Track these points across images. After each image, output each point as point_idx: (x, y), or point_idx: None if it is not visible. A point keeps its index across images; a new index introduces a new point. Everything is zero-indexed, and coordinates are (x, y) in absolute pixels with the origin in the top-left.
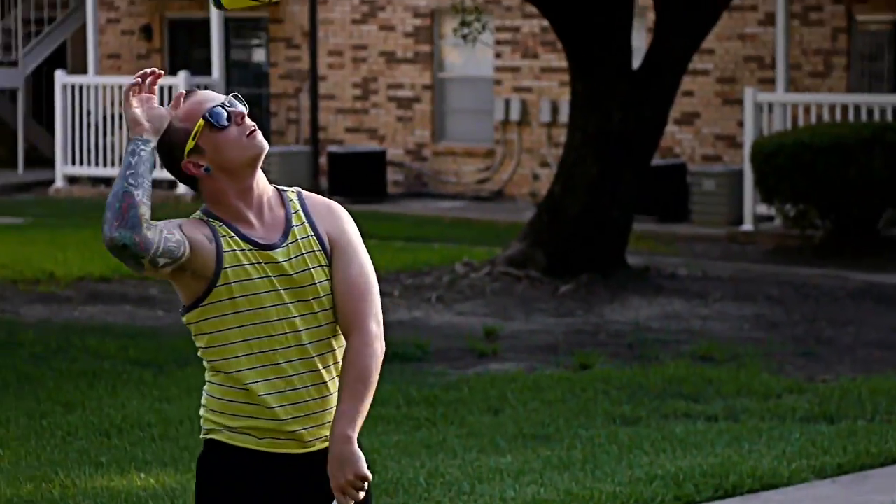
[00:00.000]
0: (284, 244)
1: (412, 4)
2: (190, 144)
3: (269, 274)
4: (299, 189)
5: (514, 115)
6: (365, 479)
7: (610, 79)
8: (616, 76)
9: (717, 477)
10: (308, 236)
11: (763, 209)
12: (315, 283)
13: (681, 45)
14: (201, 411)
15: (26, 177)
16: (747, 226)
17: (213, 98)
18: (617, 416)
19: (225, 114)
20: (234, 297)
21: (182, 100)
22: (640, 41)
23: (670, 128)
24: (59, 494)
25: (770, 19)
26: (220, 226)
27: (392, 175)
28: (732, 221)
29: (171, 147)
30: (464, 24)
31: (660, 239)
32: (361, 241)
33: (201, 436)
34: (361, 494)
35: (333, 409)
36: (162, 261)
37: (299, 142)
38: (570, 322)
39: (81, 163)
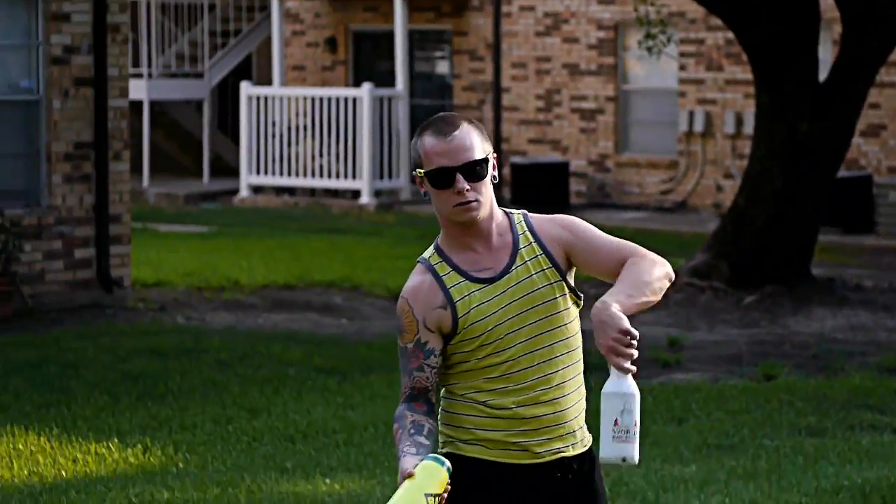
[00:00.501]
0: (514, 267)
1: (596, 17)
2: (419, 173)
3: (502, 304)
4: (525, 211)
5: (698, 126)
6: (628, 332)
7: (796, 90)
8: (802, 88)
9: None
10: (538, 255)
11: None
12: (547, 301)
13: (867, 56)
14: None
15: (211, 186)
16: None
17: (456, 151)
18: (802, 426)
19: (441, 175)
20: (474, 338)
21: (441, 132)
22: (826, 53)
23: (856, 139)
24: (246, 499)
25: None
26: (446, 275)
27: (575, 186)
28: None
29: (414, 152)
30: (649, 36)
31: (845, 251)
32: (599, 231)
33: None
34: (633, 352)
35: (569, 423)
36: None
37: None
38: (753, 333)
39: (266, 173)
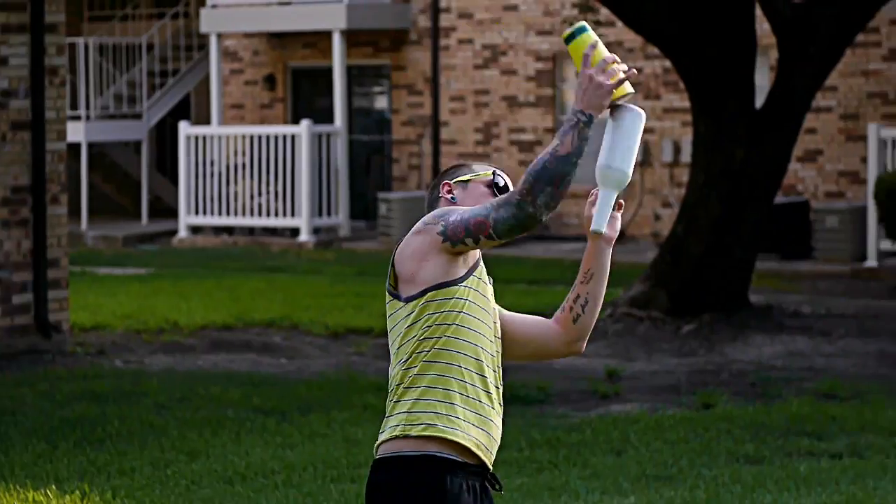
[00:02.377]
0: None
1: (534, 48)
2: (466, 178)
3: (486, 294)
4: None
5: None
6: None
7: (733, 118)
8: (739, 115)
9: None
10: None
11: (887, 245)
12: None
13: (804, 82)
14: (403, 418)
15: (150, 227)
16: (871, 262)
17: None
18: (740, 455)
19: (501, 184)
20: (479, 291)
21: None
22: (763, 79)
23: (793, 165)
24: None
25: (894, 55)
26: None
27: None
28: (856, 258)
29: (454, 169)
30: None
31: (783, 277)
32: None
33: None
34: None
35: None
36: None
37: (421, 187)
38: (692, 361)
39: (204, 213)
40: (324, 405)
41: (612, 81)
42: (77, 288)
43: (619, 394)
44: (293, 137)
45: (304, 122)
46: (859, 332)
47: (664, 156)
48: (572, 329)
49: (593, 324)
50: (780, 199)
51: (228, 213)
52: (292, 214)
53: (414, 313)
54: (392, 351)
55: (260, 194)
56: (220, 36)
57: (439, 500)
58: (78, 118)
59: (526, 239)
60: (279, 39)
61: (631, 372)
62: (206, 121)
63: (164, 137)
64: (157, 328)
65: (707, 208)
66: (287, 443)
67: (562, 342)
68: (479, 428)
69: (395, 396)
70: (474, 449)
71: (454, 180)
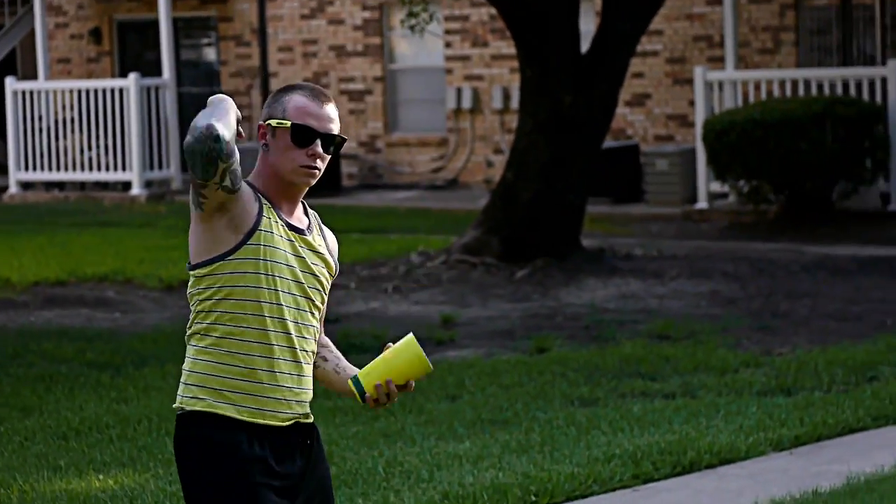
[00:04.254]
0: (308, 235)
1: None
2: (273, 122)
3: (290, 252)
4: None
5: (466, 103)
6: None
7: (559, 64)
8: (565, 61)
9: (674, 454)
10: (324, 246)
11: (717, 187)
12: (318, 284)
13: (628, 27)
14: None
15: None
16: (702, 204)
17: (324, 118)
18: (575, 397)
19: (305, 134)
20: (260, 259)
21: (316, 97)
22: (588, 24)
23: (622, 110)
24: (18, 500)
25: None
26: (264, 202)
27: (346, 168)
28: (687, 200)
29: (268, 107)
30: (411, 14)
31: (615, 220)
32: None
33: (179, 406)
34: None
35: (308, 391)
36: (227, 180)
37: (253, 139)
38: (526, 307)
39: (34, 168)
40: (158, 358)
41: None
42: None
43: (454, 340)
44: (121, 91)
45: (132, 76)
46: (691, 274)
47: (494, 102)
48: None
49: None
50: (610, 143)
51: (59, 169)
52: (123, 168)
53: None
54: None
55: (90, 149)
56: None
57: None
58: None
59: (358, 188)
60: None
61: (466, 318)
62: (33, 76)
63: None
64: None
65: (536, 154)
66: (121, 397)
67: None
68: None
69: None
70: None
71: (266, 121)
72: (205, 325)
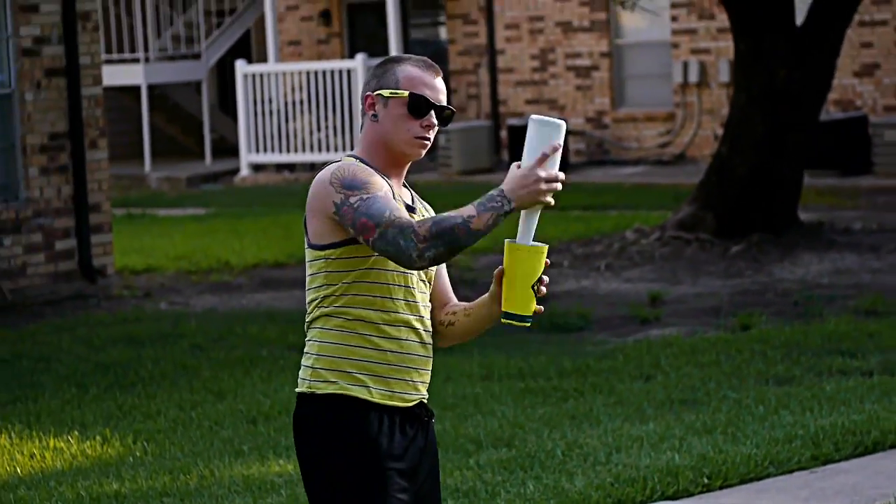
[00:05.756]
0: (416, 211)
1: None
2: (385, 93)
3: None
4: None
5: (693, 77)
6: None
7: (773, 36)
8: (779, 33)
9: (858, 434)
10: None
11: None
12: None
13: None
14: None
15: (214, 167)
16: None
17: (437, 89)
18: (770, 376)
19: (424, 106)
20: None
21: (429, 68)
22: None
23: (850, 80)
24: (196, 485)
25: None
26: (383, 176)
27: (574, 144)
28: None
29: (377, 77)
30: None
31: (841, 193)
32: None
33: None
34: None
35: (429, 371)
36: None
37: (480, 117)
38: (737, 283)
39: (265, 150)
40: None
41: (548, 197)
42: (135, 231)
43: (659, 318)
44: (349, 72)
45: (360, 56)
46: None
47: (721, 76)
48: (438, 323)
49: (442, 343)
50: (837, 114)
51: (289, 150)
52: (351, 148)
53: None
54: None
55: (319, 130)
56: None
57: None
58: (137, 61)
59: (586, 164)
60: None
61: (675, 296)
62: (265, 58)
63: (225, 77)
64: (207, 268)
65: (751, 128)
66: None
67: (436, 319)
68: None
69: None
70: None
71: (376, 91)
72: (333, 307)
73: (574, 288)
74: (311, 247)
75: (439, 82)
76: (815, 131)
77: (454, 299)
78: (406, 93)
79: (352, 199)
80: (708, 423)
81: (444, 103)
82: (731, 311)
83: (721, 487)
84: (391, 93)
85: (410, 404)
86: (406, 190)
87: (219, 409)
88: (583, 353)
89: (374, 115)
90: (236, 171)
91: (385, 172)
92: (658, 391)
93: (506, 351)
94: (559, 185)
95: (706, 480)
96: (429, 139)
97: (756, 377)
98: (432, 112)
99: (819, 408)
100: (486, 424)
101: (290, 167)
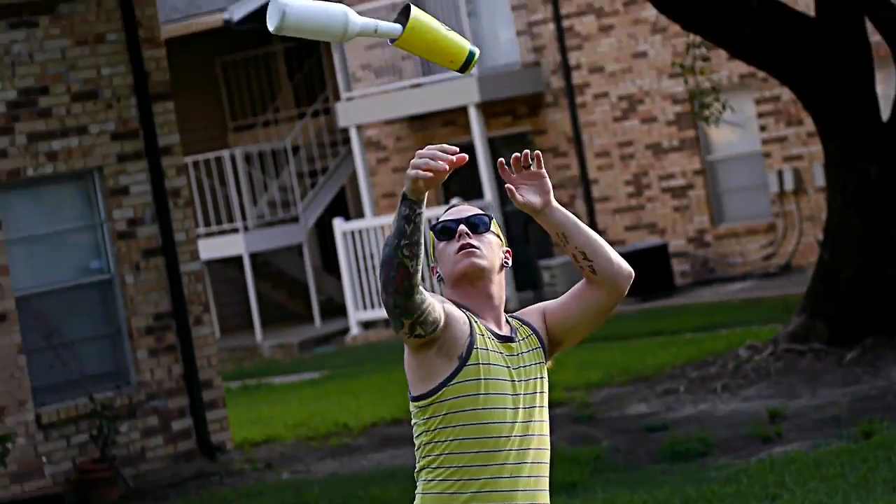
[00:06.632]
0: (517, 340)
1: (669, 92)
2: (431, 252)
3: (509, 365)
4: None
5: (789, 184)
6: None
7: (861, 134)
8: (866, 131)
9: None
10: (529, 335)
11: None
12: (538, 378)
13: None
14: None
15: (324, 329)
16: None
17: (461, 212)
18: None
19: (445, 228)
20: (481, 379)
21: (454, 210)
22: (890, 90)
23: None
24: None
25: None
26: (469, 314)
27: (678, 266)
28: None
29: (427, 255)
30: (703, 106)
31: None
32: None
33: None
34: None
35: (545, 496)
36: (418, 330)
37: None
38: (855, 390)
39: (373, 306)
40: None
41: (420, 172)
42: (252, 402)
43: (780, 435)
44: None
45: (455, 201)
46: None
47: (816, 180)
48: (599, 280)
49: (612, 259)
50: None
51: None
52: None
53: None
54: None
55: (423, 280)
56: (359, 127)
57: None
58: (236, 230)
59: (692, 285)
60: (419, 121)
61: (794, 409)
62: (362, 213)
63: (325, 236)
64: (326, 433)
65: (850, 230)
66: None
67: (604, 293)
68: None
69: None
70: None
71: (430, 261)
72: (432, 456)
73: (692, 413)
74: (413, 398)
75: (464, 207)
76: None
77: (569, 291)
78: (431, 234)
79: None
80: None
81: (467, 215)
82: (851, 420)
83: None
84: (431, 247)
85: None
86: (507, 325)
87: None
88: (707, 480)
89: (440, 276)
90: (346, 330)
91: (475, 312)
92: None
93: (628, 486)
94: (443, 158)
95: None
96: (469, 245)
97: (883, 486)
98: (461, 227)
99: None
100: None
101: None
